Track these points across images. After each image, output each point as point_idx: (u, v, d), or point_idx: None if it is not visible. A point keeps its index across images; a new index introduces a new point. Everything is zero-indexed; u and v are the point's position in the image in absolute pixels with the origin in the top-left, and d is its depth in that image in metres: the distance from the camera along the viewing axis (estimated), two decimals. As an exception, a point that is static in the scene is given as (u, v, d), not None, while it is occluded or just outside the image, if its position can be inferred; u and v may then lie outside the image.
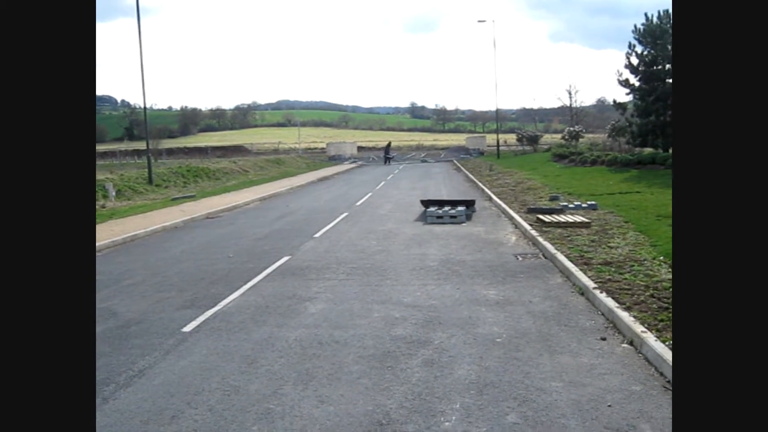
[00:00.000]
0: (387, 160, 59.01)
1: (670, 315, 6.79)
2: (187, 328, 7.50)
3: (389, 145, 65.41)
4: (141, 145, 43.25)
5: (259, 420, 4.91)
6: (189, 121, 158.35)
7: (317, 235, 14.69)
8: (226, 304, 8.56)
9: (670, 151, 29.85)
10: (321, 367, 6.03)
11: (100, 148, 77.59)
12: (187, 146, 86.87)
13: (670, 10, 31.13)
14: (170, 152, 75.54)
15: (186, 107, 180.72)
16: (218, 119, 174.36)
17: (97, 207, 21.32)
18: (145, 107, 32.87)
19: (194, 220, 18.70)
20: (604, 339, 6.56)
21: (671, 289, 7.79)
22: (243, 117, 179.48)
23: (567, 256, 10.23)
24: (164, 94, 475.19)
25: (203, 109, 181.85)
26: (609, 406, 4.93)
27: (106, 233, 15.11)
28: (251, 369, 6.06)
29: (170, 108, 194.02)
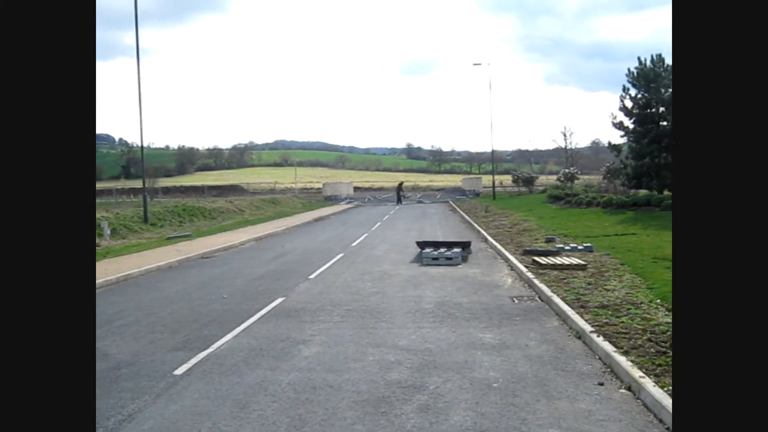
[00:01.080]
0: (400, 198, 59.40)
1: (668, 360, 6.72)
2: (179, 371, 7.38)
3: (401, 185, 65.78)
4: (137, 184, 43.36)
5: (250, 468, 4.79)
6: (186, 160, 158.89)
7: (312, 276, 14.60)
8: (219, 347, 8.45)
9: (665, 192, 30.02)
10: (314, 412, 5.92)
11: (96, 186, 77.59)
12: (183, 185, 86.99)
13: (663, 54, 31.67)
14: (167, 191, 75.63)
15: (183, 146, 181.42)
16: (215, 158, 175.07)
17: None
18: (142, 146, 33.03)
19: (189, 259, 18.60)
20: (601, 384, 6.47)
21: (671, 335, 7.73)
22: (240, 156, 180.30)
23: (563, 299, 10.17)
24: (162, 134, 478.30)
25: (200, 148, 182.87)
26: (608, 454, 4.83)
27: (99, 272, 15.00)
28: (243, 414, 5.95)
29: (167, 147, 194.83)
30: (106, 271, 15.50)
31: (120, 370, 7.50)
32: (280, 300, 11.60)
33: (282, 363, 7.58)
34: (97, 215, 27.05)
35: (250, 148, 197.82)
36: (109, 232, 24.83)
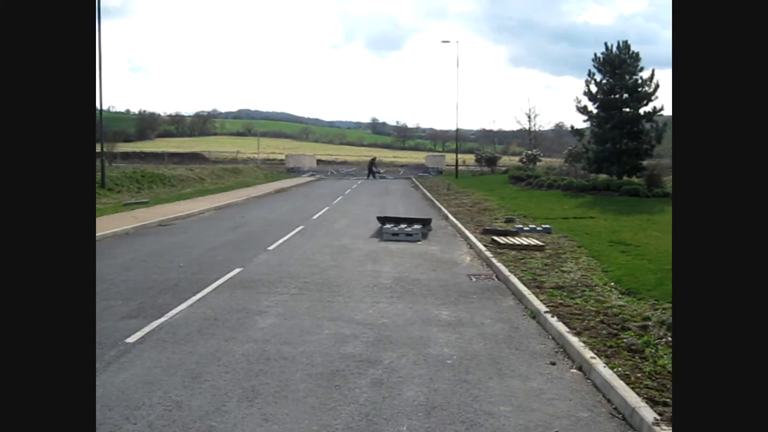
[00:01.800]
0: (373, 174, 57.60)
1: (619, 341, 6.85)
2: (131, 339, 7.28)
3: (374, 160, 63.66)
4: (96, 148, 42.43)
5: (200, 438, 4.75)
6: (147, 125, 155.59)
7: (271, 247, 14.50)
8: (173, 316, 8.35)
9: (625, 178, 30.48)
10: (267, 384, 5.89)
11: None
12: (143, 151, 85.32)
13: (629, 41, 31.96)
14: (126, 156, 74.11)
15: (144, 111, 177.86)
16: (177, 125, 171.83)
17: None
18: (101, 109, 32.17)
19: (146, 227, 18.31)
20: (553, 363, 6.57)
21: (634, 320, 7.87)
22: (203, 124, 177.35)
23: (520, 279, 10.28)
24: (123, 97, 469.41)
25: (162, 114, 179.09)
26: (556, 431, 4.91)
27: (53, 237, 14.67)
28: (195, 384, 5.89)
29: (128, 111, 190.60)
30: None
31: (70, 336, 7.35)
32: (237, 270, 11.49)
33: (237, 334, 7.53)
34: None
35: (214, 116, 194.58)
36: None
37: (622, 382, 5.61)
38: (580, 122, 37.14)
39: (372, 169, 59.00)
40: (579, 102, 33.54)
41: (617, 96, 32.01)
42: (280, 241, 15.58)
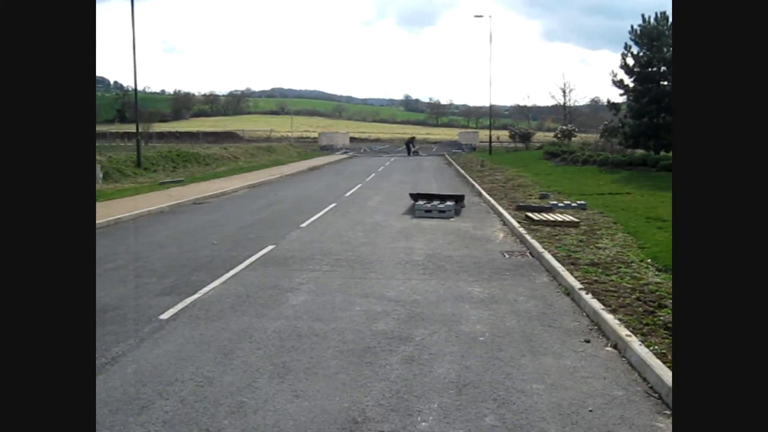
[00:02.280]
0: (410, 151, 58.66)
1: (656, 319, 6.70)
2: (165, 316, 7.35)
3: (413, 139, 64.40)
4: (132, 128, 42.91)
5: (232, 414, 4.77)
6: (182, 105, 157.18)
7: (304, 225, 14.53)
8: (207, 293, 8.41)
9: (662, 153, 29.86)
10: (298, 360, 5.90)
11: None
12: (178, 131, 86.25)
13: (668, 12, 31.11)
14: (161, 136, 74.99)
15: (179, 91, 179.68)
16: (211, 105, 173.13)
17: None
18: (136, 90, 32.50)
19: (181, 205, 18.50)
20: (588, 341, 6.46)
21: (668, 296, 7.71)
22: (236, 103, 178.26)
23: (554, 256, 10.13)
24: (158, 78, 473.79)
25: (197, 93, 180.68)
26: (590, 411, 4.82)
27: (89, 215, 14.89)
28: (227, 360, 5.92)
29: (163, 92, 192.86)
30: (97, 214, 15.39)
31: (106, 313, 7.45)
32: (270, 248, 11.54)
33: (269, 310, 7.55)
34: (90, 158, 26.76)
35: (247, 95, 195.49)
36: (101, 176, 24.65)
37: (658, 361, 5.48)
38: (616, 96, 36.40)
39: (410, 146, 59.48)
40: (615, 76, 32.83)
41: (655, 69, 31.25)
42: (313, 218, 15.60)
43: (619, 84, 32.68)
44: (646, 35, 31.07)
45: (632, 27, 31.68)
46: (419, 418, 4.67)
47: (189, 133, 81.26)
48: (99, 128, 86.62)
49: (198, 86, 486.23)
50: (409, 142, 61.66)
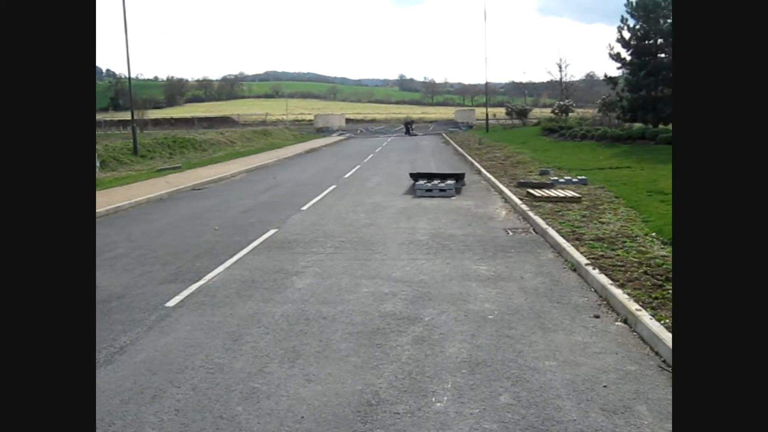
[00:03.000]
0: (409, 131, 59.95)
1: (665, 293, 6.67)
2: (171, 303, 7.30)
3: (412, 122, 65.66)
4: (126, 116, 42.62)
5: (244, 400, 4.74)
6: (175, 91, 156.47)
7: (304, 207, 14.47)
8: (211, 278, 8.36)
9: (661, 126, 29.74)
10: (308, 344, 5.86)
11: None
12: (173, 117, 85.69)
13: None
14: (156, 123, 74.49)
15: (172, 77, 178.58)
16: (205, 90, 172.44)
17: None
18: (129, 77, 32.21)
19: (179, 191, 18.41)
20: (597, 317, 6.43)
21: (670, 269, 7.68)
22: (230, 88, 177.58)
23: (558, 232, 10.09)
24: (150, 64, 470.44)
25: (190, 79, 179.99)
26: (604, 386, 4.80)
27: (89, 204, 14.80)
28: (236, 346, 5.88)
29: (156, 78, 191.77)
30: (96, 203, 15.30)
31: (111, 302, 7.41)
32: (272, 231, 11.48)
33: (275, 295, 7.51)
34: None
35: (241, 79, 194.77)
36: (98, 164, 24.52)
37: (670, 334, 5.45)
38: (613, 70, 36.30)
39: (409, 127, 60.88)
40: (612, 49, 32.65)
41: (651, 41, 31.06)
42: (314, 201, 15.54)
43: (616, 57, 32.51)
44: (642, 8, 30.84)
45: (628, -1, 31.45)
46: (434, 399, 4.64)
47: (184, 119, 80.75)
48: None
49: (191, 72, 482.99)
50: (408, 124, 62.81)
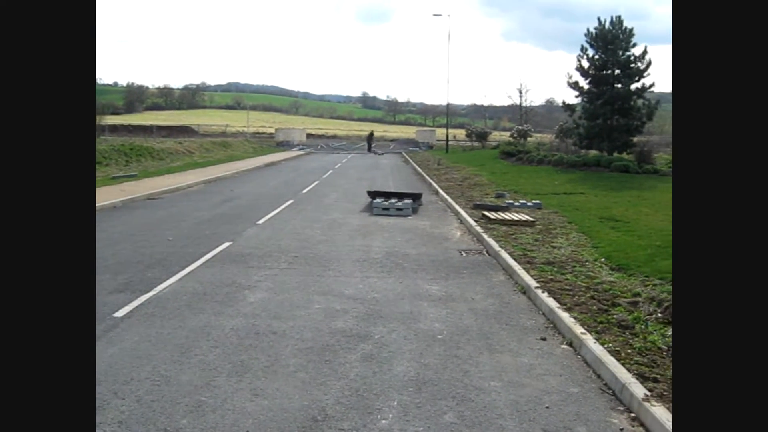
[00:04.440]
0: (370, 147, 59.73)
1: (609, 317, 6.85)
2: (120, 314, 7.21)
3: (372, 134, 65.47)
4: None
5: (190, 413, 4.72)
6: (135, 98, 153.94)
7: (260, 221, 14.42)
8: (162, 290, 8.28)
9: (615, 154, 30.47)
10: (257, 358, 5.86)
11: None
12: (131, 124, 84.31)
13: (622, 16, 31.73)
14: (113, 129, 73.09)
15: (132, 84, 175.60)
16: (165, 98, 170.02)
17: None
18: (88, 81, 31.73)
19: (134, 200, 18.16)
20: (544, 339, 6.56)
21: (624, 297, 7.87)
22: (191, 97, 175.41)
23: (510, 254, 10.26)
24: (110, 69, 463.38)
25: (150, 86, 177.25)
26: (547, 407, 4.91)
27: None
28: (184, 358, 5.85)
29: (116, 84, 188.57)
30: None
31: (58, 310, 7.28)
32: (226, 244, 11.42)
33: (226, 308, 7.48)
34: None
35: (202, 89, 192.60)
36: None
37: (612, 358, 5.61)
38: (571, 98, 37.07)
39: (370, 142, 61.19)
40: (570, 77, 33.42)
41: (609, 72, 31.89)
42: (270, 215, 15.49)
43: (575, 86, 33.26)
44: (602, 38, 31.67)
45: (588, 30, 32.26)
46: (379, 416, 4.69)
47: (142, 126, 79.50)
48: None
49: (152, 79, 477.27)
50: (369, 138, 62.90)
